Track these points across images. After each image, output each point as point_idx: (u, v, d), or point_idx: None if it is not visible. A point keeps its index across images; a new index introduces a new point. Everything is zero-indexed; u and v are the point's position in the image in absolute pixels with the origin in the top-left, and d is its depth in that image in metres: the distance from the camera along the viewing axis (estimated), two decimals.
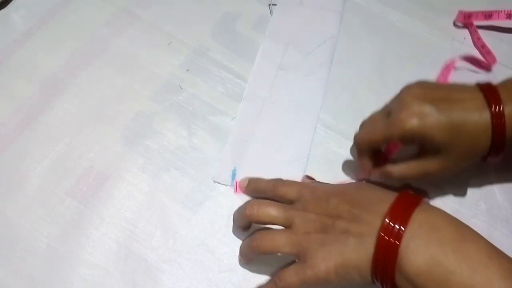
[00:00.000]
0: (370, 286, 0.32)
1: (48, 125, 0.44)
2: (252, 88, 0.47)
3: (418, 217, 0.30)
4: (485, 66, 0.49)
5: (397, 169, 0.37)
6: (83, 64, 0.48)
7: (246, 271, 0.38)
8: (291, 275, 0.33)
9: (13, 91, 0.46)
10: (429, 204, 0.33)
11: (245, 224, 0.38)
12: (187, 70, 0.48)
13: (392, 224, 0.30)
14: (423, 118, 0.34)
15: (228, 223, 0.40)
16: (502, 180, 0.43)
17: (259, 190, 0.39)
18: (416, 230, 0.30)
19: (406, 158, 0.37)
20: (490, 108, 0.34)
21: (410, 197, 0.32)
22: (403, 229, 0.29)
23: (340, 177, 0.42)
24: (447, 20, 0.52)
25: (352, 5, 0.53)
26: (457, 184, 0.42)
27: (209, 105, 0.46)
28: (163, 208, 0.41)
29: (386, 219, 0.30)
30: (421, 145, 0.36)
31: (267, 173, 0.42)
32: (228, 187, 0.42)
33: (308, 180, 0.41)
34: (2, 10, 0.51)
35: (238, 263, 0.39)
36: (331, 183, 0.38)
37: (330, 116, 0.46)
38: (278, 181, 0.38)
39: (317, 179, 0.42)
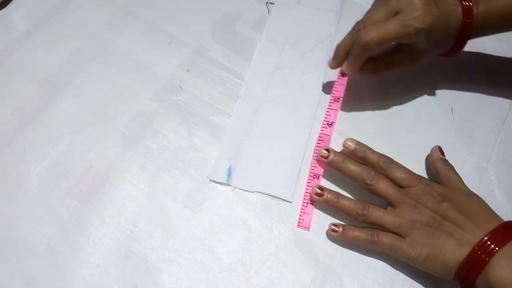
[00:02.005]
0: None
1: (48, 125, 0.44)
2: (248, 87, 0.47)
3: None
4: None
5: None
6: (83, 64, 0.48)
7: (246, 271, 0.39)
8: (388, 237, 0.37)
9: (13, 91, 0.46)
10: None
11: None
12: (187, 70, 0.48)
13: (489, 243, 0.34)
14: (432, 17, 0.38)
15: (228, 223, 0.40)
16: (502, 180, 0.43)
17: (370, 162, 0.40)
18: (510, 252, 0.33)
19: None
20: (462, 4, 0.39)
21: None
22: (497, 248, 0.33)
23: (336, 175, 0.42)
24: None
25: (351, 5, 0.53)
26: None
27: (209, 105, 0.46)
28: (163, 208, 0.41)
29: (486, 237, 0.34)
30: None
31: (263, 171, 0.42)
32: (229, 187, 0.42)
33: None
34: (2, 10, 0.51)
35: (239, 261, 0.39)
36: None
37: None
38: (393, 163, 0.40)
39: None
